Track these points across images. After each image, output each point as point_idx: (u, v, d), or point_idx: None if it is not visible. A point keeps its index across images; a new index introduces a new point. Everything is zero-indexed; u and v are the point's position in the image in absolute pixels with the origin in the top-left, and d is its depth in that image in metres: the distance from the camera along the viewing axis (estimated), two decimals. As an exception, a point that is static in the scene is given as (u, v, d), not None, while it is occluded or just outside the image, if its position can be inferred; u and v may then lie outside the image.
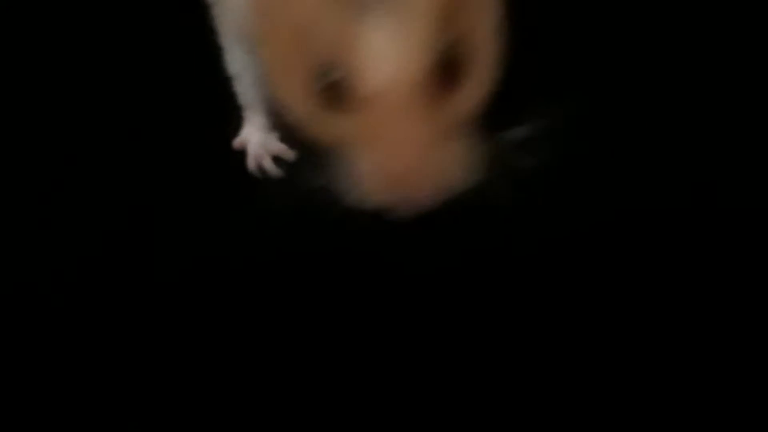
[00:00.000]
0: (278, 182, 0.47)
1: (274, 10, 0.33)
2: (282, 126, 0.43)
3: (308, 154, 0.37)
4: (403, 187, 0.31)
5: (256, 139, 0.46)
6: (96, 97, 0.57)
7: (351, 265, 0.42)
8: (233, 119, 0.49)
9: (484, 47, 0.32)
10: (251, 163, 0.46)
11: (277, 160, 0.47)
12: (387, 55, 0.30)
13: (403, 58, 0.30)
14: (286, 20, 0.32)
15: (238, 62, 0.43)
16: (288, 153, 0.45)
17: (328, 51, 0.31)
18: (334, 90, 0.32)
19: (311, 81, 0.32)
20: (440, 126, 0.31)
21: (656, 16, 0.58)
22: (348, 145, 0.33)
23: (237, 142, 0.47)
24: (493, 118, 0.37)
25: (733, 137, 0.54)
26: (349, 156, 0.32)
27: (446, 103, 0.32)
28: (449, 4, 0.30)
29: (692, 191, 0.52)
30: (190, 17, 0.50)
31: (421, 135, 0.30)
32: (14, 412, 0.50)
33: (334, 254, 0.42)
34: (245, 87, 0.45)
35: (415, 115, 0.30)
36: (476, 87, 0.32)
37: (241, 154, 0.50)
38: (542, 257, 0.44)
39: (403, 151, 0.30)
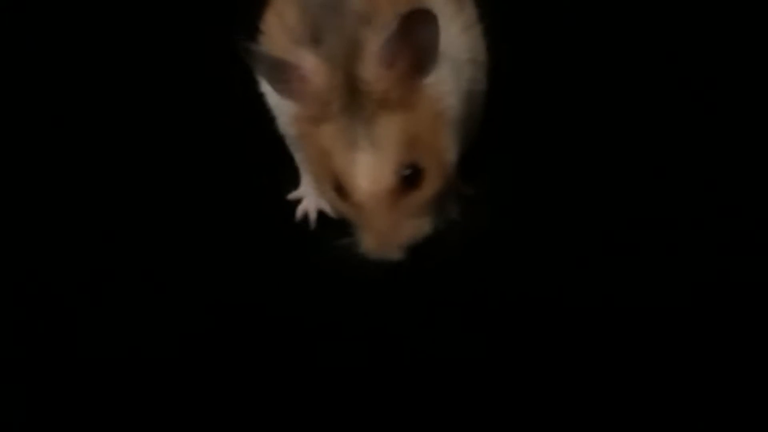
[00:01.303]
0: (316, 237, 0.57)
1: (304, 137, 0.48)
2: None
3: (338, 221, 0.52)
4: (384, 246, 0.47)
5: (310, 195, 0.57)
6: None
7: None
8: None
9: (436, 163, 0.46)
10: (299, 213, 0.57)
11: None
12: (367, 175, 0.45)
13: (377, 177, 0.45)
14: (312, 144, 0.47)
15: (292, 146, 0.55)
16: (329, 212, 0.56)
17: (337, 167, 0.46)
18: (343, 189, 0.47)
19: (330, 181, 0.47)
20: (405, 211, 0.46)
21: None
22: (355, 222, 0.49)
23: (293, 195, 0.57)
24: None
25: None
26: (357, 228, 0.48)
27: (409, 198, 0.46)
28: (408, 143, 0.45)
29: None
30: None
31: (390, 219, 0.46)
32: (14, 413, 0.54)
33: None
34: (299, 160, 0.56)
35: (386, 209, 0.46)
36: (430, 186, 0.47)
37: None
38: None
39: (380, 229, 0.46)
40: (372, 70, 0.44)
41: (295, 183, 0.58)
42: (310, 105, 0.46)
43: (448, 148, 0.47)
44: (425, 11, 0.43)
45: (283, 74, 0.46)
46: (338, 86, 0.45)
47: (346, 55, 0.45)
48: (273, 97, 0.50)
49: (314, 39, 0.46)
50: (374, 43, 0.44)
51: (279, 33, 0.49)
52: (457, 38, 0.48)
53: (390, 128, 0.45)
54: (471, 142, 0.52)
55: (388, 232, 0.46)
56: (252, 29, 0.51)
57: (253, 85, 0.53)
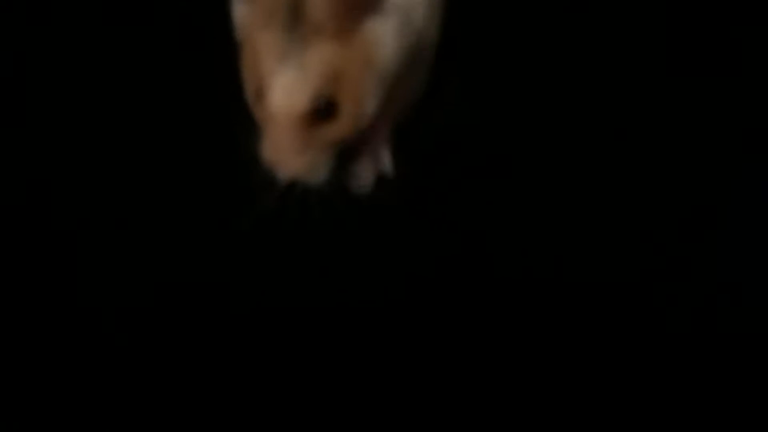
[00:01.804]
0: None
1: (245, 42, 0.50)
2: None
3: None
4: (277, 162, 0.48)
5: None
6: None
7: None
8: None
9: (352, 106, 0.48)
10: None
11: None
12: (284, 90, 0.47)
13: (292, 96, 0.47)
14: (249, 48, 0.49)
15: None
16: None
17: (262, 74, 0.48)
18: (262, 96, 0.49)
19: (254, 85, 0.49)
20: (307, 141, 0.48)
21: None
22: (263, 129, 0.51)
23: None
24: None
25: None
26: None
27: (318, 129, 0.48)
28: (331, 75, 0.47)
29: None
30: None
31: (291, 140, 0.48)
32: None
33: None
34: None
35: (290, 129, 0.47)
36: (339, 127, 0.48)
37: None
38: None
39: (280, 145, 0.48)
40: (315, 3, 0.46)
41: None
42: (258, 9, 0.47)
43: (369, 96, 0.49)
44: None
45: None
46: (285, 0, 0.46)
47: None
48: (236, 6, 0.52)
49: None
50: None
51: None
52: None
53: (318, 55, 0.47)
54: (409, 103, 0.54)
55: (285, 152, 0.48)
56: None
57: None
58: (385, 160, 0.56)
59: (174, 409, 0.55)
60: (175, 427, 0.54)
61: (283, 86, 0.47)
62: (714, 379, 0.54)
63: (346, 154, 0.53)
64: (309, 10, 0.46)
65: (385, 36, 0.48)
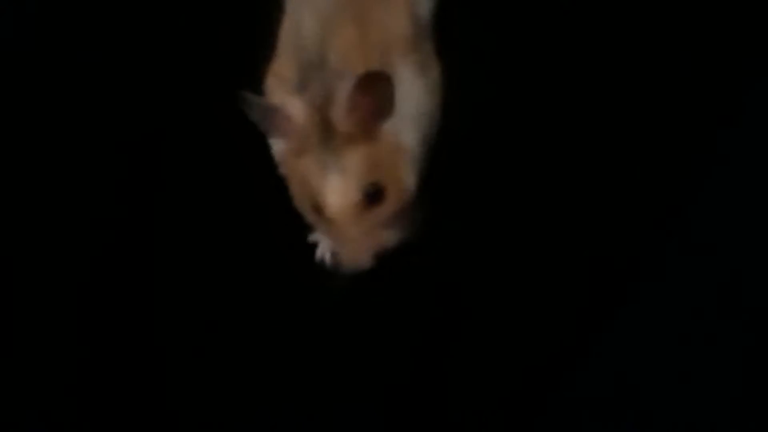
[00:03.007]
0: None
1: (289, 168, 0.59)
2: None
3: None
4: (355, 255, 0.57)
5: (325, 239, 0.65)
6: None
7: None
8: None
9: (395, 184, 0.57)
10: (318, 255, 0.66)
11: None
12: (336, 193, 0.56)
13: (344, 194, 0.56)
14: (295, 173, 0.59)
15: None
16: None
17: (313, 189, 0.57)
18: (319, 208, 0.58)
19: (309, 203, 0.58)
20: (371, 224, 0.57)
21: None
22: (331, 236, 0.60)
23: (312, 238, 0.66)
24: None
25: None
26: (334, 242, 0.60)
27: (373, 212, 0.57)
28: (370, 168, 0.56)
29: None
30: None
31: (358, 230, 0.57)
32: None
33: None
34: None
35: (353, 221, 0.57)
36: (391, 203, 0.57)
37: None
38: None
39: (350, 239, 0.57)
40: (340, 114, 0.55)
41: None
42: (293, 140, 0.57)
43: (405, 174, 0.58)
44: (378, 73, 0.55)
45: (272, 117, 0.57)
46: (315, 124, 0.56)
47: (323, 101, 0.56)
48: (274, 144, 0.61)
49: (302, 88, 0.58)
50: (342, 94, 0.55)
51: (276, 85, 0.60)
52: (419, 97, 0.60)
53: (354, 157, 0.56)
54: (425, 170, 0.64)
55: (357, 242, 0.57)
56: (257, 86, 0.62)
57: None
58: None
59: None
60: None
61: (334, 189, 0.56)
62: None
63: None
64: (337, 127, 0.55)
65: (404, 127, 0.58)
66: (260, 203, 0.66)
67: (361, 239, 0.57)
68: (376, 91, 0.55)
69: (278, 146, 0.60)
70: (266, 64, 0.62)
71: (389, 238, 0.58)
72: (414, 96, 0.59)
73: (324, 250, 0.65)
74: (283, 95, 0.59)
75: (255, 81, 0.61)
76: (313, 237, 0.66)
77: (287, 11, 0.62)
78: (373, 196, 0.57)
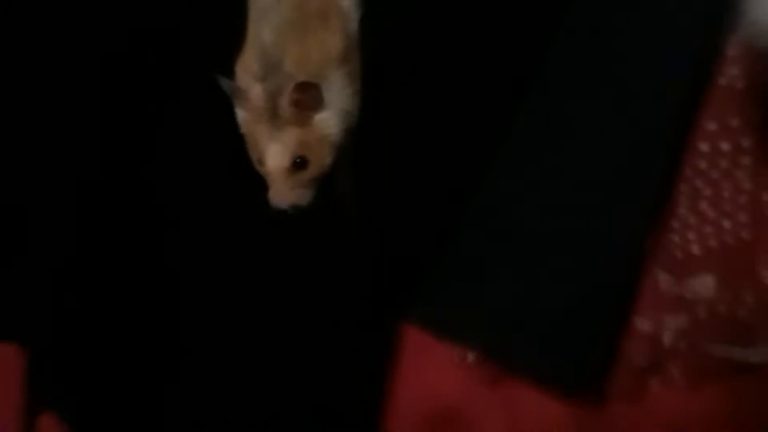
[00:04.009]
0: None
1: (246, 131, 0.80)
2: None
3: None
4: (280, 200, 0.78)
5: None
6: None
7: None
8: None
9: (317, 158, 0.79)
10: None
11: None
12: (274, 157, 0.78)
13: (279, 159, 0.78)
14: (250, 135, 0.80)
15: None
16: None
17: (260, 150, 0.78)
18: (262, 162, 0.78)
19: (257, 156, 0.79)
20: (295, 182, 0.78)
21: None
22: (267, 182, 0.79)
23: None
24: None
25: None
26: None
27: (298, 174, 0.78)
28: (300, 144, 0.78)
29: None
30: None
31: (285, 184, 0.78)
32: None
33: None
34: None
35: (283, 178, 0.77)
36: (312, 171, 0.78)
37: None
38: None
39: (279, 189, 0.78)
40: (284, 104, 0.78)
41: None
42: (251, 112, 0.79)
43: (325, 153, 0.80)
44: (309, 83, 0.76)
45: (238, 95, 0.79)
46: (268, 106, 0.79)
47: (275, 90, 0.79)
48: (238, 112, 0.84)
49: (262, 78, 0.80)
50: (287, 91, 0.77)
51: (243, 73, 0.83)
52: (345, 98, 0.81)
53: (290, 135, 0.78)
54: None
55: (283, 192, 0.79)
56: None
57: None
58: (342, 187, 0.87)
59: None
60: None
61: (273, 154, 0.78)
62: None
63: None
64: (282, 112, 0.79)
65: (330, 119, 0.80)
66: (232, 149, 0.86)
67: (285, 191, 0.79)
68: (308, 94, 0.78)
69: (241, 114, 0.82)
70: (237, 56, 0.84)
71: (304, 195, 0.80)
72: (342, 99, 0.81)
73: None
74: (248, 81, 0.82)
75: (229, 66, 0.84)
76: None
77: (251, 19, 0.82)
78: (298, 164, 0.78)
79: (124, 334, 0.88)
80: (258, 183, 0.82)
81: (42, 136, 0.90)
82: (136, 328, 0.87)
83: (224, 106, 0.83)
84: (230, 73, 0.84)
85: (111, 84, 0.91)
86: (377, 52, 0.85)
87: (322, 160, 0.80)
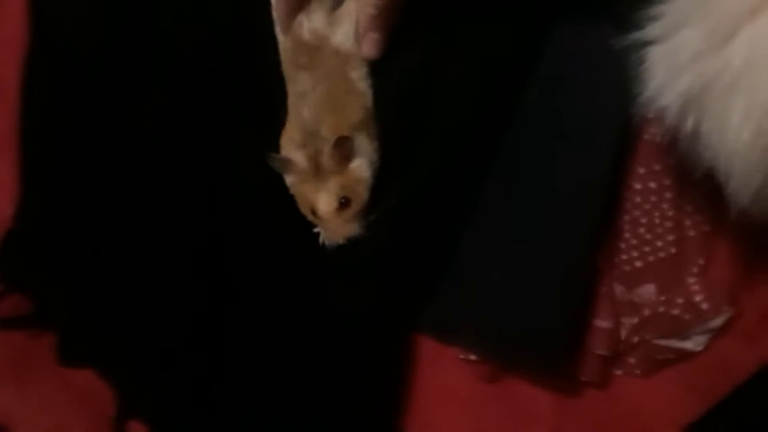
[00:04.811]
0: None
1: (295, 190, 0.99)
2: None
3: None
4: (335, 237, 0.97)
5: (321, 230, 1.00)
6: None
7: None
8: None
9: (356, 197, 0.95)
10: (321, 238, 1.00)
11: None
12: (324, 204, 0.96)
13: (328, 205, 0.95)
14: (299, 193, 0.98)
15: None
16: None
17: (310, 202, 0.96)
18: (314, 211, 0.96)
19: (308, 209, 0.97)
20: (343, 219, 0.95)
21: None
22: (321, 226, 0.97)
23: (316, 230, 1.01)
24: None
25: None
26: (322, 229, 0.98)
27: (344, 213, 0.94)
28: (342, 188, 0.95)
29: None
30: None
31: (336, 223, 0.95)
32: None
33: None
34: None
35: (334, 219, 0.95)
36: (354, 208, 0.95)
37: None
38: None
39: (332, 228, 0.96)
40: (326, 159, 0.94)
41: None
42: (297, 175, 0.97)
43: (362, 192, 0.96)
44: (344, 138, 0.92)
45: (285, 164, 0.96)
46: (311, 166, 0.96)
47: (315, 153, 0.96)
48: (286, 178, 0.98)
49: (302, 145, 0.97)
50: (327, 149, 0.94)
51: (287, 142, 1.02)
52: (369, 151, 0.98)
53: (334, 182, 0.95)
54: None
55: (336, 230, 0.95)
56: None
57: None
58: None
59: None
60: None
61: (323, 202, 0.95)
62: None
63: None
64: (325, 168, 0.96)
65: (362, 165, 0.97)
66: (287, 210, 1.01)
67: (337, 228, 0.95)
68: (344, 147, 0.95)
69: (289, 179, 0.99)
70: (283, 127, 1.00)
71: (353, 227, 0.96)
72: (367, 152, 0.98)
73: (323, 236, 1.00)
74: (291, 149, 1.02)
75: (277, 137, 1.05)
76: (317, 229, 1.00)
77: (291, 103, 0.98)
78: (343, 204, 0.95)
79: (191, 339, 1.07)
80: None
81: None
82: (203, 335, 1.06)
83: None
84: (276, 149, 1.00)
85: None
86: (386, 120, 1.01)
87: (360, 197, 0.97)
